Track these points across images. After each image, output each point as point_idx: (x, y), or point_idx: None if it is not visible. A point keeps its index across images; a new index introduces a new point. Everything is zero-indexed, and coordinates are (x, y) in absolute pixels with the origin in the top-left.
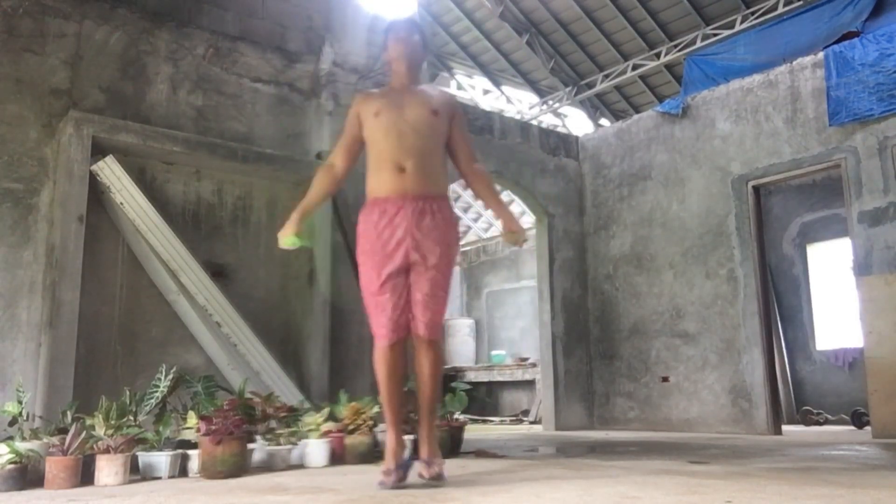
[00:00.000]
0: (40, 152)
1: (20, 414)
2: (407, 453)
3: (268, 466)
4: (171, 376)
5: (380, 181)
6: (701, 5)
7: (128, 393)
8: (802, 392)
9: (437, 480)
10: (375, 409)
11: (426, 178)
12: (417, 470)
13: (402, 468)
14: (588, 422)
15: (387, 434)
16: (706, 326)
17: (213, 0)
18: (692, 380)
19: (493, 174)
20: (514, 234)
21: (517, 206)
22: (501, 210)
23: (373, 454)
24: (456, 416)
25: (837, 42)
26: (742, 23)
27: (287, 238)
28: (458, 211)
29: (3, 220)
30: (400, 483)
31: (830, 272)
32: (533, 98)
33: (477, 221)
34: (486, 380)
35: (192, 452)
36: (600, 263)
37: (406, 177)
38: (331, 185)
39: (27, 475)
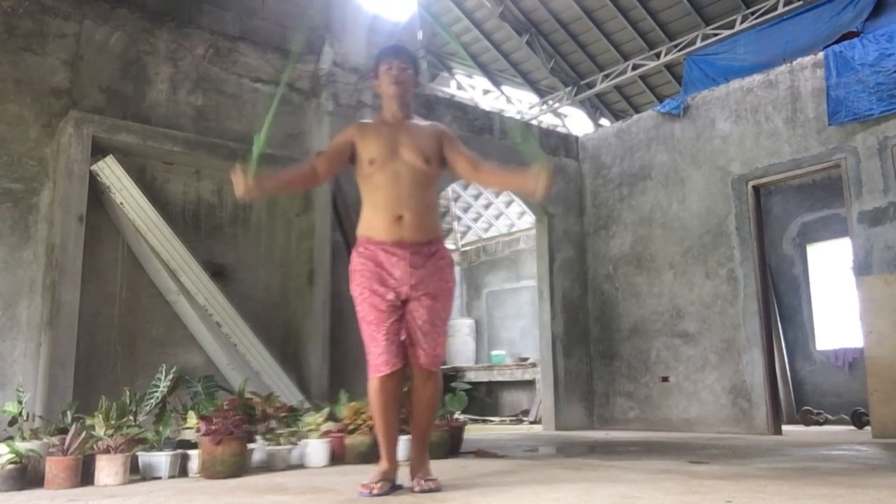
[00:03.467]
0: (40, 152)
1: (20, 414)
2: (394, 480)
3: (268, 466)
4: (171, 376)
5: (376, 226)
6: (701, 5)
7: (128, 393)
8: (802, 392)
9: (431, 493)
10: None
11: (421, 225)
12: (413, 485)
13: (389, 485)
14: (588, 422)
15: (381, 459)
16: (706, 326)
17: (213, 0)
18: (692, 380)
19: None
20: (540, 183)
21: (517, 206)
22: (515, 178)
23: (373, 454)
24: (456, 416)
25: (837, 42)
26: (742, 23)
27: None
28: (457, 211)
29: (3, 220)
30: (381, 495)
31: (830, 272)
32: (533, 98)
33: (477, 221)
34: (486, 380)
35: (192, 452)
36: (600, 263)
37: (402, 225)
38: (304, 183)
39: (27, 475)
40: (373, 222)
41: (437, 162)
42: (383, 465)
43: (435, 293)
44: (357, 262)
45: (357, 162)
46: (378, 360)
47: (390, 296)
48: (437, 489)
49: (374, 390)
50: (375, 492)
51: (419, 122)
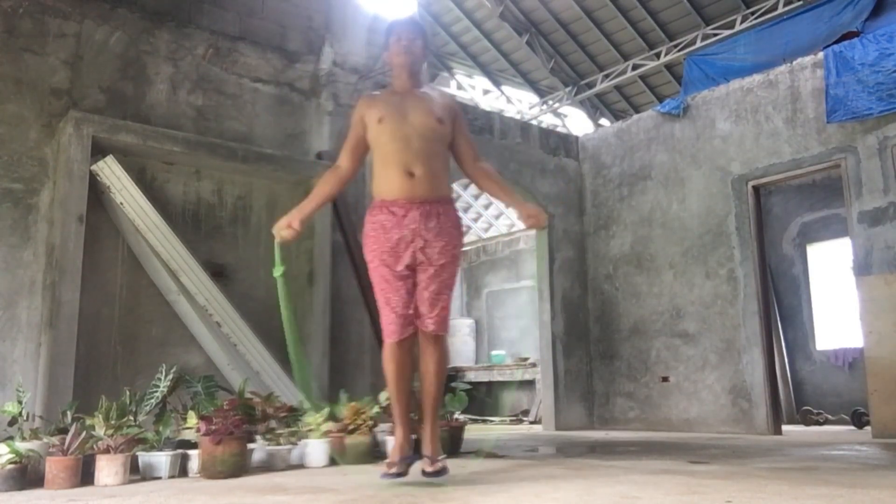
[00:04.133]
0: (40, 152)
1: (20, 414)
2: (410, 451)
3: (268, 466)
4: (171, 376)
5: (388, 184)
6: (701, 5)
7: (128, 393)
8: (802, 392)
9: (439, 475)
10: (375, 409)
11: (433, 183)
12: (420, 466)
13: (406, 462)
14: (588, 422)
15: (395, 429)
16: (706, 326)
17: (213, 0)
18: (692, 380)
19: None
20: (533, 217)
21: None
22: (514, 200)
23: (373, 454)
24: (456, 416)
25: (837, 42)
26: (742, 23)
27: (277, 268)
28: (457, 211)
29: (3, 220)
30: (400, 475)
31: (830, 272)
32: (533, 98)
33: (477, 221)
34: (486, 380)
35: (192, 452)
36: (600, 263)
37: (415, 181)
38: (337, 184)
39: (27, 475)
40: (384, 180)
41: (449, 124)
42: (398, 436)
43: (441, 261)
44: (369, 227)
45: (367, 129)
46: (389, 327)
47: (399, 266)
48: (443, 470)
49: (387, 356)
50: (393, 471)
51: (430, 90)
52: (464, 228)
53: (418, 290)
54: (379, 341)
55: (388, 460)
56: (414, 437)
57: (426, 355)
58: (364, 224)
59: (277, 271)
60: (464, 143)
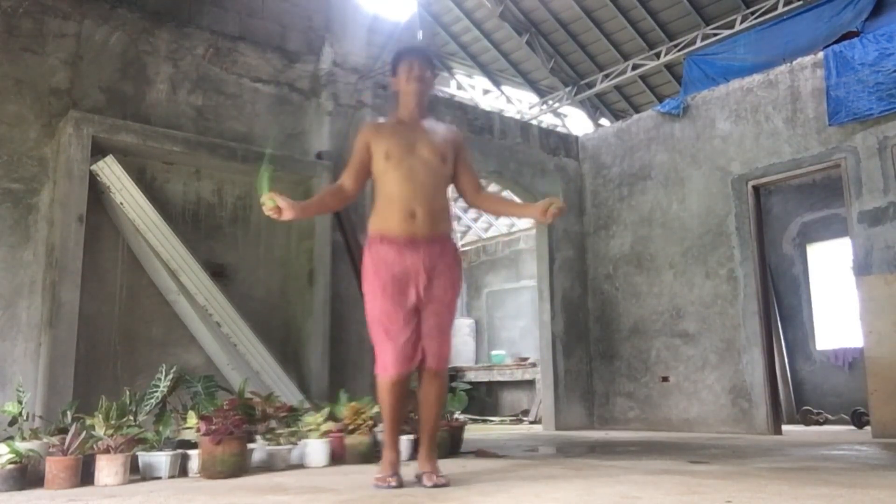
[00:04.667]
0: (40, 152)
1: (20, 414)
2: (400, 467)
3: (268, 466)
4: (171, 376)
5: (390, 222)
6: (701, 5)
7: (128, 393)
8: (802, 392)
9: (439, 488)
10: (375, 409)
11: (434, 222)
12: (420, 481)
13: (398, 478)
14: (588, 422)
15: (385, 449)
16: (706, 326)
17: (213, 0)
18: (692, 380)
19: (492, 174)
20: (546, 210)
21: None
22: (523, 208)
23: (373, 454)
24: (456, 416)
25: (837, 42)
26: (742, 23)
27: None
28: (457, 211)
29: (3, 220)
30: (395, 488)
31: (830, 272)
32: (533, 98)
33: (477, 221)
34: (486, 380)
35: (192, 452)
36: (600, 263)
37: (416, 221)
38: (337, 202)
39: (27, 475)
40: (387, 218)
41: (452, 163)
42: (390, 456)
43: (443, 298)
44: (369, 262)
45: (373, 159)
46: (386, 363)
47: (401, 301)
48: (446, 485)
49: (383, 389)
50: (393, 484)
51: (436, 123)
52: (463, 228)
53: (422, 328)
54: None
55: (379, 475)
56: (413, 437)
57: (427, 386)
58: (363, 258)
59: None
60: (466, 176)
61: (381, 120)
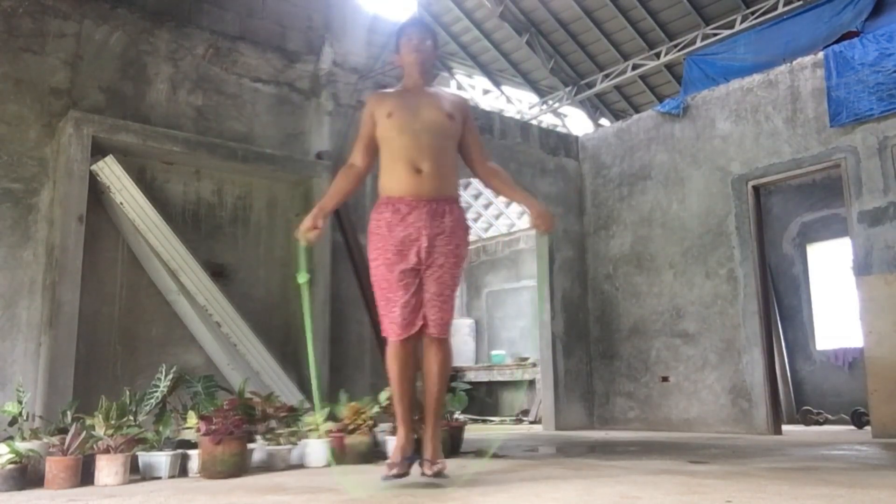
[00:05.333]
0: (40, 152)
1: (20, 414)
2: (412, 451)
3: (268, 466)
4: (171, 376)
5: (395, 181)
6: (701, 5)
7: (128, 393)
8: (802, 392)
9: (439, 477)
10: (375, 408)
11: (440, 180)
12: (421, 469)
13: (407, 462)
14: (588, 422)
15: (397, 429)
16: (706, 326)
17: (213, 0)
18: (692, 380)
19: None
20: (542, 218)
21: (517, 206)
22: (526, 199)
23: (373, 454)
24: (456, 416)
25: (837, 42)
26: (742, 23)
27: (301, 274)
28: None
29: (3, 220)
30: (401, 476)
31: (830, 272)
32: (533, 98)
33: (477, 221)
34: (486, 380)
35: (192, 452)
36: (600, 263)
37: (422, 178)
38: (351, 183)
39: (27, 475)
40: (391, 176)
41: (459, 123)
42: (400, 436)
43: (445, 263)
44: (374, 225)
45: (377, 124)
46: (390, 327)
47: (403, 265)
48: (442, 472)
49: (390, 355)
50: (394, 472)
51: (440, 89)
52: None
53: (423, 294)
54: (378, 341)
55: (388, 461)
56: (415, 436)
57: (429, 356)
58: (369, 221)
59: (302, 277)
60: (473, 141)
61: (386, 90)
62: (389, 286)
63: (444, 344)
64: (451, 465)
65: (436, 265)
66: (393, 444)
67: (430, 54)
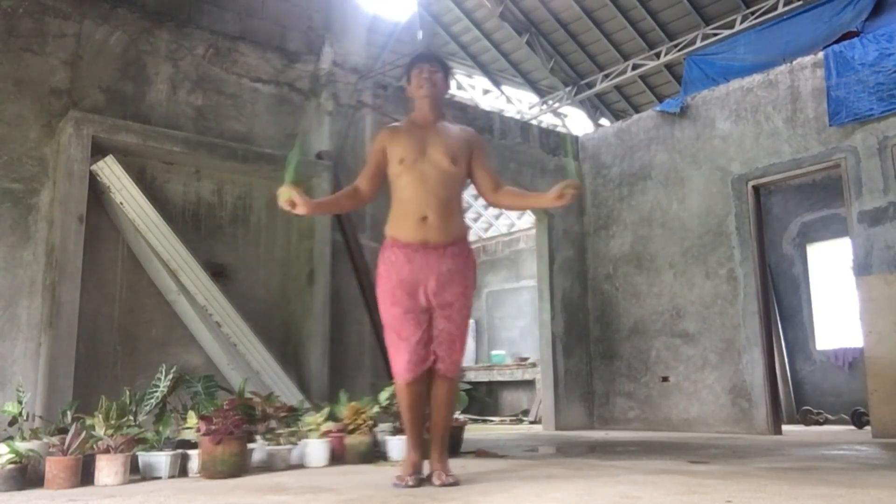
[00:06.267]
0: (40, 152)
1: (20, 414)
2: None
3: (268, 466)
4: (171, 376)
5: (402, 228)
6: (701, 5)
7: (128, 393)
8: (802, 392)
9: (448, 486)
10: (375, 408)
11: (446, 226)
12: (430, 482)
13: (418, 479)
14: (588, 422)
15: (408, 450)
16: (706, 326)
17: (213, 0)
18: (692, 380)
19: None
20: (562, 198)
21: None
22: (539, 198)
23: (373, 454)
24: (456, 415)
25: (837, 42)
26: (742, 23)
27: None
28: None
29: (3, 220)
30: (412, 487)
31: (830, 272)
32: (533, 98)
33: (477, 221)
34: (486, 380)
35: (192, 452)
36: (600, 263)
37: (427, 226)
38: (352, 204)
39: (27, 475)
40: (399, 223)
41: (465, 164)
42: (412, 456)
43: (454, 303)
44: (382, 268)
45: (388, 164)
46: (400, 367)
47: (413, 307)
48: (455, 483)
49: (399, 390)
50: (410, 483)
51: (450, 125)
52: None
53: (433, 332)
54: (380, 343)
55: (399, 473)
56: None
57: (437, 388)
58: (377, 263)
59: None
60: (484, 176)
61: (397, 123)
62: (400, 324)
63: (452, 380)
64: (451, 466)
65: (446, 306)
66: (392, 444)
67: (441, 88)
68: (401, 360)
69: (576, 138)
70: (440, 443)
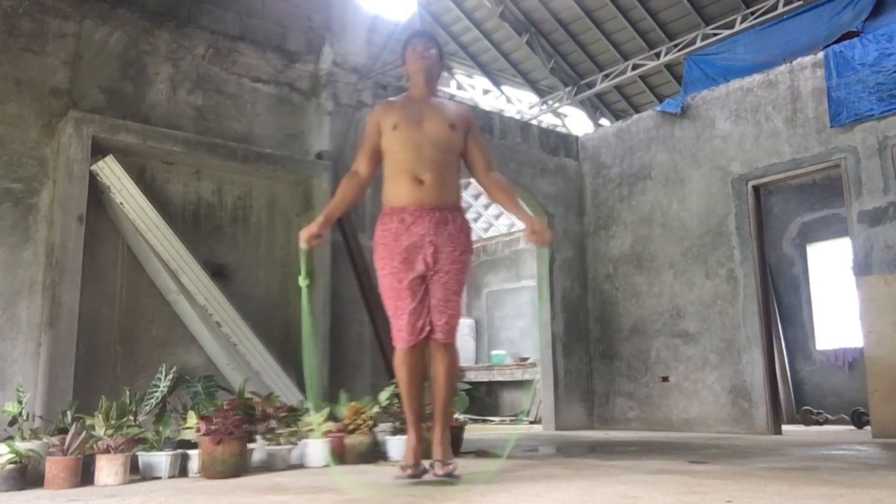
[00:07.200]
0: (40, 152)
1: (20, 414)
2: (422, 454)
3: (268, 466)
4: (171, 376)
5: (398, 191)
6: (701, 5)
7: (128, 393)
8: (802, 392)
9: (449, 478)
10: (375, 409)
11: (442, 190)
12: (432, 470)
13: (420, 467)
14: (588, 422)
15: (408, 432)
16: (706, 326)
17: (213, 0)
18: (692, 380)
19: None
20: (537, 234)
21: None
22: (523, 213)
23: (373, 454)
24: (456, 416)
25: (837, 42)
26: (742, 23)
27: (302, 279)
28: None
29: (3, 220)
30: (415, 477)
31: (830, 272)
32: (533, 98)
33: (477, 221)
34: (486, 380)
35: (192, 452)
36: (600, 263)
37: (424, 188)
38: (355, 190)
39: (27, 475)
40: (394, 187)
41: (462, 134)
42: (411, 439)
43: (450, 269)
44: (379, 234)
45: (383, 135)
46: (399, 334)
47: (409, 274)
48: (453, 472)
49: (398, 362)
50: (408, 472)
51: (446, 100)
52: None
53: (429, 297)
54: (379, 342)
55: (402, 463)
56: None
57: (436, 361)
58: (374, 232)
59: (303, 281)
60: (476, 152)
61: (392, 99)
62: (398, 294)
63: (450, 348)
64: None
65: (441, 271)
66: (392, 444)
67: (435, 63)
68: (399, 328)
69: (550, 131)
70: (442, 422)
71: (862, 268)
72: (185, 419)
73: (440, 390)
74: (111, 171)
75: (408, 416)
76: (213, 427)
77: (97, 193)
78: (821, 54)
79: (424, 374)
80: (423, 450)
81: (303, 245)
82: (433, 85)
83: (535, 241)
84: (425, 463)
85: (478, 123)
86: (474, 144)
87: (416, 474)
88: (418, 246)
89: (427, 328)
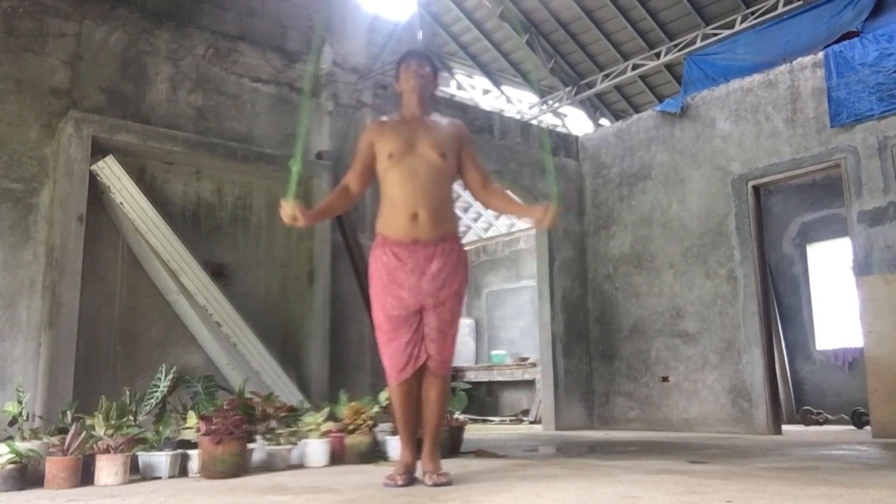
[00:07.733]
0: (40, 152)
1: (20, 414)
2: (414, 472)
3: (268, 466)
4: (171, 376)
5: (392, 223)
6: (701, 5)
7: (128, 393)
8: (802, 392)
9: (442, 487)
10: (375, 408)
11: (437, 223)
12: (422, 480)
13: (409, 477)
14: (588, 422)
15: (401, 450)
16: (706, 326)
17: (213, 0)
18: (692, 380)
19: (492, 174)
20: (544, 220)
21: None
22: (522, 209)
23: (373, 454)
24: (456, 415)
25: (837, 42)
26: (742, 23)
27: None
28: (457, 211)
29: (3, 220)
30: (405, 486)
31: (830, 272)
32: (533, 98)
33: (477, 221)
34: (486, 380)
35: (192, 452)
36: (600, 263)
37: (418, 224)
38: (344, 204)
39: (27, 475)
40: (390, 220)
41: (454, 158)
42: (405, 456)
43: (446, 302)
44: (373, 268)
45: (377, 159)
46: (392, 368)
47: (403, 311)
48: (448, 483)
49: (392, 391)
50: (400, 482)
51: (439, 118)
52: (463, 228)
53: (424, 330)
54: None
55: (391, 473)
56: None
57: (428, 385)
58: (369, 262)
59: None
60: (472, 171)
61: (385, 118)
62: (391, 329)
63: (442, 380)
64: (451, 466)
65: (437, 303)
66: (392, 444)
67: (428, 81)
68: (392, 361)
69: (550, 131)
70: (432, 442)
71: (862, 268)
72: (185, 419)
73: (431, 413)
74: (111, 171)
75: (402, 436)
76: (213, 427)
77: (97, 193)
78: (821, 54)
79: (419, 400)
80: (414, 467)
81: (284, 211)
82: (426, 104)
83: (546, 225)
84: (417, 474)
85: (471, 138)
86: (469, 162)
87: (406, 484)
88: (412, 283)
89: (422, 357)
